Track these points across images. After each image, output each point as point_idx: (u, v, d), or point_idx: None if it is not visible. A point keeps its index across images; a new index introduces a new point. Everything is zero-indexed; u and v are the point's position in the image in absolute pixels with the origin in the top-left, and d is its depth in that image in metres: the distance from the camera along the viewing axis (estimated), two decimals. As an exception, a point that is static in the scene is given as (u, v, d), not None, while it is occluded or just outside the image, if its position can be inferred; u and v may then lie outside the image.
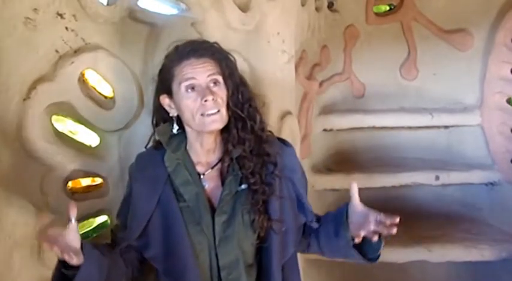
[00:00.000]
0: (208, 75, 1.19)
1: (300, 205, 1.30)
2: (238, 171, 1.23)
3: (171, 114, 1.26)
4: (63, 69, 1.36)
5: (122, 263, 1.24)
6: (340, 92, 2.88)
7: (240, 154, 1.23)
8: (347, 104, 2.86)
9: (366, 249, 1.22)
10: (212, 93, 1.17)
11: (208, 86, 1.18)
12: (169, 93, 1.23)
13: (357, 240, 1.16)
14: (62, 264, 1.06)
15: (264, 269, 1.24)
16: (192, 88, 1.18)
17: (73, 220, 1.08)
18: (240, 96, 1.24)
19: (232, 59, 1.26)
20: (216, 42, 1.26)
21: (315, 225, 1.31)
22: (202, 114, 1.17)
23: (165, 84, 1.24)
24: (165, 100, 1.24)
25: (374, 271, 2.65)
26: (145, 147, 1.35)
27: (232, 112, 1.22)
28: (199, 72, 1.18)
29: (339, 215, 1.25)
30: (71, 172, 1.43)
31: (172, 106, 1.24)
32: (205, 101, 1.16)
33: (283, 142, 1.34)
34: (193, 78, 1.18)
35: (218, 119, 1.19)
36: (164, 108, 1.26)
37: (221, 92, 1.20)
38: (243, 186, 1.23)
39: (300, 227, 1.32)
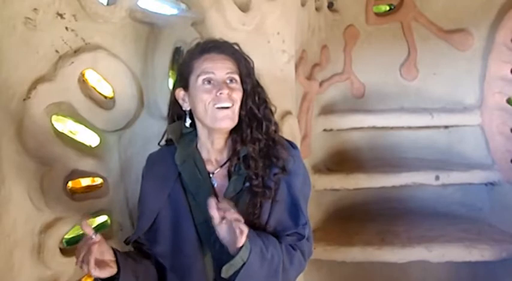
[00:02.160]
0: (227, 73, 1.21)
1: (294, 209, 1.25)
2: (243, 170, 1.23)
3: (184, 108, 1.27)
4: (63, 69, 1.35)
5: (153, 270, 1.26)
6: (340, 92, 2.88)
7: (248, 154, 1.23)
8: (347, 104, 2.86)
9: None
10: (228, 87, 1.19)
11: (225, 81, 1.21)
12: (186, 87, 1.25)
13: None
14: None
15: None
16: (209, 81, 1.20)
17: (94, 236, 1.09)
18: (256, 97, 1.26)
19: (250, 61, 1.28)
20: (236, 43, 1.28)
21: (301, 232, 1.23)
22: (215, 106, 1.18)
23: (182, 77, 1.26)
24: (180, 93, 1.26)
25: (374, 271, 2.66)
26: (159, 143, 1.36)
27: (246, 112, 1.24)
28: (218, 68, 1.20)
29: None
30: (71, 172, 1.43)
31: (186, 100, 1.25)
32: (221, 93, 1.18)
33: (290, 144, 1.32)
34: (211, 72, 1.20)
35: (230, 114, 1.20)
36: (178, 103, 1.28)
37: (237, 90, 1.22)
38: (247, 184, 1.23)
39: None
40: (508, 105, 2.60)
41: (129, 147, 1.56)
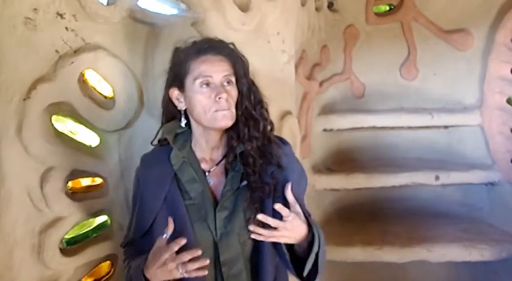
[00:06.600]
0: (224, 75, 1.21)
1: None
2: (240, 167, 1.25)
3: (179, 108, 1.27)
4: (63, 69, 1.36)
5: None
6: (340, 92, 2.88)
7: (245, 151, 1.24)
8: (347, 104, 2.86)
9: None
10: (226, 91, 1.20)
11: (222, 84, 1.21)
12: (181, 87, 1.24)
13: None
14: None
15: (258, 266, 1.23)
16: (207, 84, 1.20)
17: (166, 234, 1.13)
18: (252, 97, 1.27)
19: (245, 60, 1.28)
20: (232, 43, 1.28)
21: None
22: (216, 111, 1.19)
23: (177, 77, 1.25)
24: (174, 93, 1.26)
25: (374, 270, 2.65)
26: (152, 142, 1.35)
27: (243, 112, 1.25)
28: (216, 71, 1.21)
29: None
30: (71, 172, 1.43)
31: (181, 100, 1.25)
32: (219, 98, 1.19)
33: (281, 140, 1.34)
34: (209, 76, 1.20)
35: (229, 115, 1.21)
36: (173, 102, 1.27)
37: (233, 92, 1.23)
38: (244, 182, 1.24)
39: None
40: (508, 105, 2.60)
41: (129, 147, 1.56)
